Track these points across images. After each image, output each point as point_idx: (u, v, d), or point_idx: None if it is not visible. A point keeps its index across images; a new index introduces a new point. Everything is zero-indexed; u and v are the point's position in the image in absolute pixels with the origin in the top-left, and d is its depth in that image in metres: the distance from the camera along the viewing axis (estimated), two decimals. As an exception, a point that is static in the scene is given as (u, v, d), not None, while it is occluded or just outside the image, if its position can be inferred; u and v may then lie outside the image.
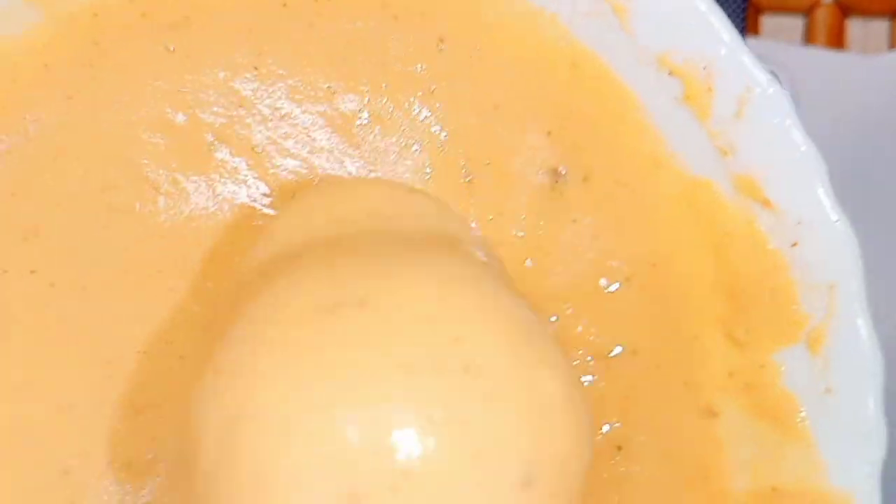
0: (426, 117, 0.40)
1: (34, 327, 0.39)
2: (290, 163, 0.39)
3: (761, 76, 0.37)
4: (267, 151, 0.39)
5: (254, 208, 0.39)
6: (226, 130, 0.39)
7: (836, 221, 0.37)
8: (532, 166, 0.40)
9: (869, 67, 0.49)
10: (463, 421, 0.29)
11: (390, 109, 0.40)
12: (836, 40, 0.52)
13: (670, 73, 0.38)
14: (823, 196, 0.37)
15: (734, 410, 0.40)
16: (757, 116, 0.37)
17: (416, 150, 0.40)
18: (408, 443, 0.29)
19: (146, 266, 0.39)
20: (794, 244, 0.38)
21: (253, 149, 0.39)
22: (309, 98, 0.40)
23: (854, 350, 0.37)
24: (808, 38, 0.53)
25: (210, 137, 0.39)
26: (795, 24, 0.53)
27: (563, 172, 0.40)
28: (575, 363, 0.40)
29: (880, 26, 0.53)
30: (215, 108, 0.39)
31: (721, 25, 0.37)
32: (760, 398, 0.39)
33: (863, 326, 0.37)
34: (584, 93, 0.39)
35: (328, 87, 0.40)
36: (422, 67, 0.40)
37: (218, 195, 0.39)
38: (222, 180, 0.39)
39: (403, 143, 0.40)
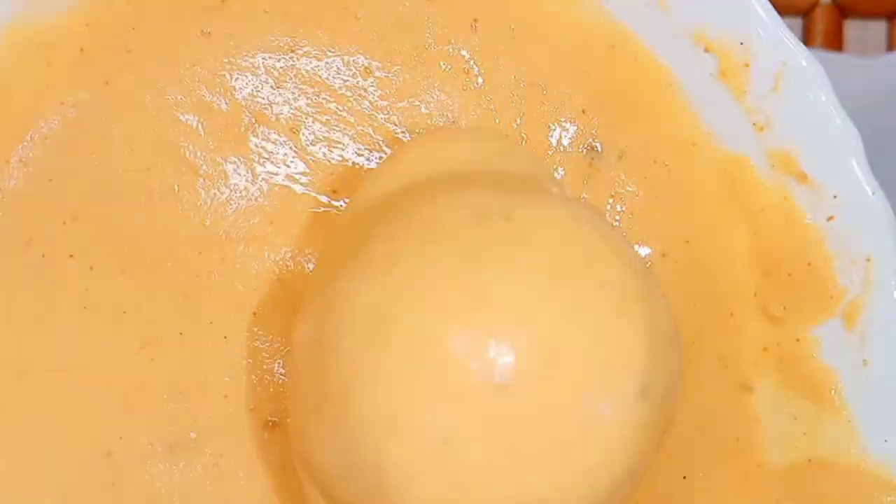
0: (462, 95, 0.40)
1: (74, 310, 0.39)
2: (327, 142, 0.40)
3: (798, 51, 0.37)
4: (304, 131, 0.40)
5: (292, 189, 0.40)
6: (263, 111, 0.40)
7: (872, 195, 0.37)
8: (568, 143, 0.40)
9: (867, 69, 0.50)
10: (597, 328, 0.32)
11: (426, 88, 0.40)
12: (834, 41, 0.53)
13: (706, 50, 0.38)
14: (859, 170, 0.37)
15: (770, 385, 0.40)
16: (793, 91, 0.37)
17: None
18: (549, 339, 0.31)
19: (186, 248, 0.39)
20: (831, 218, 0.38)
21: (290, 129, 0.40)
22: (345, 78, 0.40)
23: (891, 322, 0.38)
24: (806, 39, 0.53)
25: (248, 119, 0.39)
26: (793, 25, 0.53)
27: (600, 150, 0.40)
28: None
29: (878, 27, 0.53)
30: (252, 90, 0.40)
31: (757, 1, 0.37)
32: (796, 372, 0.40)
33: (899, 298, 0.37)
34: (620, 70, 0.39)
35: (365, 67, 0.40)
36: (456, 47, 0.40)
37: (257, 176, 0.39)
38: (261, 161, 0.39)
39: (438, 122, 0.40)
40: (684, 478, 0.41)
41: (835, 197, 0.38)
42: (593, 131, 0.40)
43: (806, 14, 0.53)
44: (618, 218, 0.40)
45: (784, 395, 0.40)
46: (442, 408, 0.31)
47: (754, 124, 0.38)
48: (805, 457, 0.39)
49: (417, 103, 0.40)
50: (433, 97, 0.40)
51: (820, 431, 0.39)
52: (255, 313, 0.39)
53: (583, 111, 0.40)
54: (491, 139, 0.38)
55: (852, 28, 0.53)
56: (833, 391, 0.39)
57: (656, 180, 0.40)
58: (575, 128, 0.40)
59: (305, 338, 0.34)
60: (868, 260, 0.38)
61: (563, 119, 0.40)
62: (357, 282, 0.33)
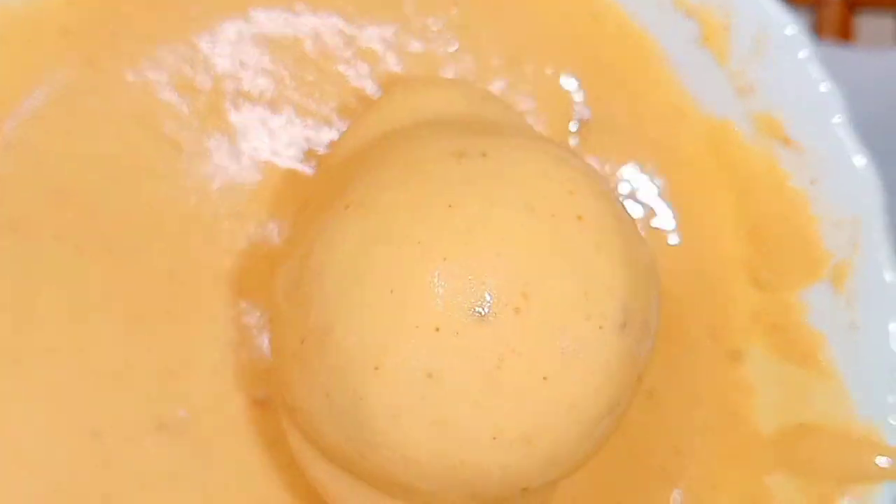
0: (444, 65, 0.40)
1: (61, 292, 0.39)
2: (310, 114, 0.40)
3: (778, 13, 0.37)
4: (286, 105, 0.40)
5: (276, 163, 0.40)
6: (245, 87, 0.40)
7: (857, 157, 0.37)
8: (553, 115, 0.40)
9: (877, 62, 0.49)
10: (576, 260, 0.32)
11: (410, 58, 0.40)
12: (845, 35, 0.53)
13: (687, 15, 0.38)
14: (843, 132, 0.37)
15: (760, 352, 0.40)
16: (775, 55, 0.38)
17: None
18: (529, 272, 0.32)
19: (172, 226, 0.39)
20: (814, 181, 0.38)
21: (272, 103, 0.40)
22: (328, 50, 0.40)
23: (878, 284, 0.38)
24: (817, 32, 0.53)
25: (230, 95, 0.39)
26: (803, 18, 0.53)
27: (586, 120, 0.40)
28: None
29: (889, 21, 0.53)
30: (232, 66, 0.39)
31: (735, -37, 0.37)
32: (786, 338, 0.40)
33: (886, 259, 0.37)
34: (605, 40, 0.40)
35: (347, 37, 0.40)
36: (439, 18, 0.40)
37: (241, 151, 0.39)
38: (244, 136, 0.39)
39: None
40: (677, 448, 0.41)
41: (820, 160, 0.38)
42: (579, 102, 0.40)
43: (816, 7, 0.53)
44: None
45: (774, 361, 0.40)
46: (424, 342, 0.31)
47: (738, 89, 0.38)
48: (795, 422, 0.39)
49: (398, 70, 0.40)
50: (416, 67, 0.40)
51: (809, 396, 0.39)
52: (242, 290, 0.39)
53: (568, 82, 0.40)
54: (470, 87, 0.39)
55: (862, 21, 0.53)
56: (823, 355, 0.39)
57: (644, 149, 0.40)
58: (560, 99, 0.40)
59: (285, 283, 0.34)
60: (854, 222, 0.38)
61: (547, 90, 0.40)
62: (336, 224, 0.33)
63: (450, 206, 0.32)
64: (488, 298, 0.31)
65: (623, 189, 0.41)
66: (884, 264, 0.37)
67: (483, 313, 0.31)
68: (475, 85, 0.40)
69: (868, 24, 0.53)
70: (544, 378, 0.32)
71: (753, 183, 0.39)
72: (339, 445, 0.33)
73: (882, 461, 0.38)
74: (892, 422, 0.38)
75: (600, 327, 0.32)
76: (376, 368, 0.31)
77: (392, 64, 0.40)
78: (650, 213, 0.41)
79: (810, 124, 0.38)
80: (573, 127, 0.40)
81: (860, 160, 0.37)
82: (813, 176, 0.38)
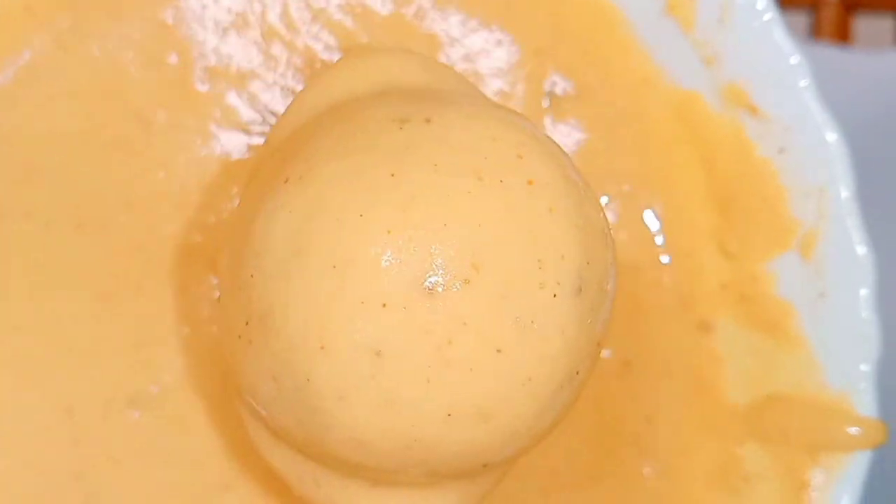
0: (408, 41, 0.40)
1: (31, 268, 0.39)
2: (279, 88, 0.40)
3: (743, -20, 0.37)
4: (253, 79, 0.40)
5: (244, 138, 0.40)
6: (212, 62, 0.40)
7: (824, 124, 0.37)
8: (521, 87, 0.40)
9: (875, 63, 0.49)
10: (526, 226, 0.31)
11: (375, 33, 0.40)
12: (842, 36, 0.52)
13: (652, -18, 0.38)
14: (810, 99, 0.37)
15: (729, 323, 0.40)
16: (740, 23, 0.37)
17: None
18: (478, 241, 0.31)
19: (142, 201, 0.39)
20: (782, 150, 0.38)
21: (240, 78, 0.40)
22: (295, 23, 0.40)
23: (846, 252, 0.38)
24: (814, 33, 0.53)
25: (199, 70, 0.39)
26: (800, 19, 0.52)
27: (553, 92, 0.40)
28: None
29: (887, 22, 0.53)
30: (202, 40, 0.39)
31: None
32: (755, 308, 0.40)
33: (853, 227, 0.37)
34: (570, 10, 0.39)
35: (314, 13, 0.40)
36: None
37: (209, 127, 0.39)
38: (212, 112, 0.39)
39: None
40: (648, 419, 0.41)
41: (786, 129, 0.38)
42: (546, 74, 0.40)
43: (814, 8, 0.52)
44: (577, 159, 0.40)
45: (744, 332, 0.40)
46: (369, 319, 0.30)
47: (704, 59, 0.38)
48: (765, 393, 0.39)
49: (365, 40, 0.40)
50: (379, 41, 0.40)
51: (779, 366, 0.39)
52: (212, 265, 0.39)
53: (534, 54, 0.40)
54: (415, 56, 0.38)
55: (861, 22, 0.53)
56: (792, 325, 0.39)
57: (612, 121, 0.41)
58: (526, 71, 0.40)
59: (230, 262, 0.34)
60: (821, 190, 0.38)
61: (513, 63, 0.40)
62: (275, 199, 0.32)
63: (392, 175, 0.31)
64: (436, 271, 0.30)
65: (593, 162, 0.41)
66: (852, 233, 0.37)
67: (431, 286, 0.30)
68: (420, 53, 0.39)
69: (866, 25, 0.53)
70: (498, 351, 0.31)
71: (722, 153, 0.39)
72: (291, 429, 0.33)
73: (853, 430, 0.38)
74: (862, 390, 0.38)
75: (554, 295, 0.31)
76: (322, 348, 0.31)
77: (361, 36, 0.40)
78: (621, 185, 0.41)
79: (777, 93, 0.38)
80: (545, 102, 0.40)
81: (827, 127, 0.37)
82: (781, 145, 0.38)
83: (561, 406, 0.33)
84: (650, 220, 0.41)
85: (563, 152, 0.34)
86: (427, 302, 0.30)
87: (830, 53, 0.50)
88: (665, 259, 0.41)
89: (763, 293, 0.39)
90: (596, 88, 0.40)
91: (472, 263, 0.30)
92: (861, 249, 0.37)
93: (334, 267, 0.30)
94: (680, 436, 0.41)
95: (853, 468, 0.38)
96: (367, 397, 0.31)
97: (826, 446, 0.38)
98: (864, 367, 0.37)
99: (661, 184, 0.41)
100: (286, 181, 0.32)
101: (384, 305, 0.30)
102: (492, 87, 0.40)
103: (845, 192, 0.37)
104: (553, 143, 0.34)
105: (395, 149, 0.32)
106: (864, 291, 0.37)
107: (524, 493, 0.41)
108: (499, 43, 0.40)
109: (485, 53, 0.40)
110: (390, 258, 0.30)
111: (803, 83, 0.37)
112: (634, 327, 0.41)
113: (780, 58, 0.37)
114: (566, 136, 0.40)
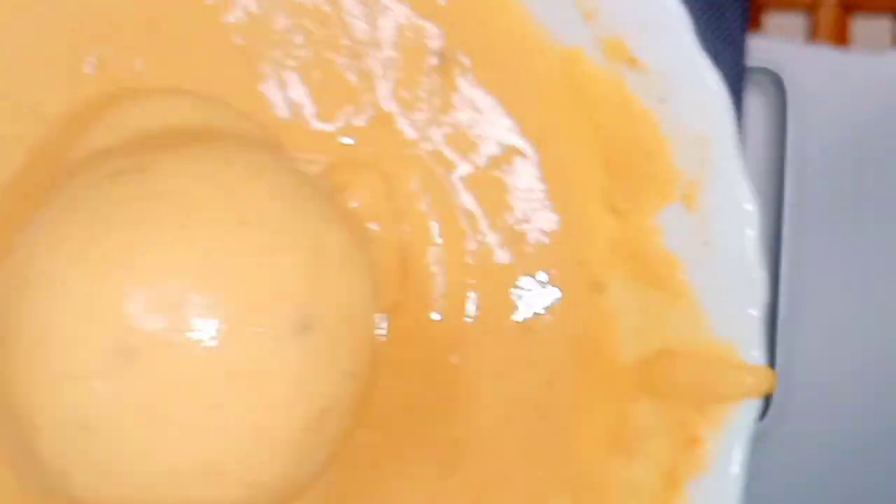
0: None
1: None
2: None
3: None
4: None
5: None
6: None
7: (704, 73, 0.37)
8: (409, 57, 0.40)
9: (873, 65, 0.49)
10: (237, 272, 0.30)
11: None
12: (840, 38, 0.53)
13: (524, -65, 0.39)
14: (690, 48, 0.37)
15: (621, 281, 0.40)
16: (616, -26, 0.38)
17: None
18: (183, 296, 0.30)
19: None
20: (663, 100, 0.38)
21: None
22: None
23: (729, 200, 0.37)
24: (812, 35, 0.52)
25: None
26: (798, 21, 0.53)
27: (445, 54, 0.40)
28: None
29: (885, 24, 0.54)
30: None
31: None
32: (644, 264, 0.39)
33: (735, 173, 0.37)
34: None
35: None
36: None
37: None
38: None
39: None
40: (550, 384, 0.40)
41: (666, 78, 0.38)
42: (430, 42, 0.40)
43: (811, 10, 0.52)
44: (469, 122, 0.40)
45: (635, 289, 0.40)
46: (71, 393, 0.29)
47: (583, 13, 0.39)
48: (655, 348, 0.39)
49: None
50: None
51: (669, 320, 0.39)
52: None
53: (420, 21, 0.40)
54: (196, 97, 0.36)
55: (858, 24, 0.53)
56: (678, 277, 0.39)
57: (499, 83, 0.41)
58: (415, 39, 0.40)
59: None
60: (703, 139, 0.38)
61: (402, 32, 0.40)
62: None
63: (98, 239, 0.30)
64: (136, 334, 0.29)
65: (484, 129, 0.41)
66: (735, 180, 0.37)
67: (131, 351, 0.29)
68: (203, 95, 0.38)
69: (864, 26, 0.53)
70: (213, 406, 0.30)
71: (606, 109, 0.39)
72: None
73: (741, 378, 0.37)
74: (749, 337, 0.37)
75: (272, 338, 0.30)
76: (37, 428, 0.30)
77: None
78: (512, 151, 0.41)
79: (656, 43, 0.38)
80: (433, 59, 0.40)
81: (707, 75, 0.37)
82: (661, 95, 0.38)
83: (324, 444, 0.32)
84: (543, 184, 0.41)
85: (299, 180, 0.33)
86: (128, 367, 0.29)
87: (828, 54, 0.50)
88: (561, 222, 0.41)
89: (651, 248, 0.39)
90: (481, 50, 0.40)
91: (177, 319, 0.29)
92: (743, 193, 0.37)
93: (38, 342, 0.30)
94: (578, 398, 0.40)
95: (741, 417, 0.37)
96: (86, 472, 0.30)
97: (715, 398, 0.37)
98: (751, 312, 0.37)
99: (552, 146, 0.41)
100: (10, 250, 0.32)
101: (84, 378, 0.29)
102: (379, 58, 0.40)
103: (726, 137, 0.37)
104: (285, 173, 0.32)
105: (107, 208, 0.31)
106: (749, 232, 0.37)
107: (424, 467, 0.40)
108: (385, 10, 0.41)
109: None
110: (87, 328, 0.29)
111: (681, 31, 0.37)
112: (538, 293, 0.41)
113: (657, 7, 0.37)
114: (454, 102, 0.40)
